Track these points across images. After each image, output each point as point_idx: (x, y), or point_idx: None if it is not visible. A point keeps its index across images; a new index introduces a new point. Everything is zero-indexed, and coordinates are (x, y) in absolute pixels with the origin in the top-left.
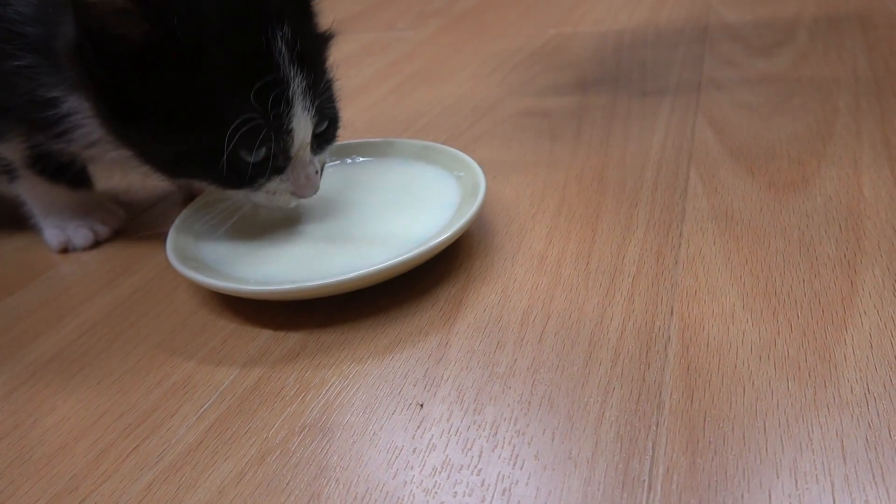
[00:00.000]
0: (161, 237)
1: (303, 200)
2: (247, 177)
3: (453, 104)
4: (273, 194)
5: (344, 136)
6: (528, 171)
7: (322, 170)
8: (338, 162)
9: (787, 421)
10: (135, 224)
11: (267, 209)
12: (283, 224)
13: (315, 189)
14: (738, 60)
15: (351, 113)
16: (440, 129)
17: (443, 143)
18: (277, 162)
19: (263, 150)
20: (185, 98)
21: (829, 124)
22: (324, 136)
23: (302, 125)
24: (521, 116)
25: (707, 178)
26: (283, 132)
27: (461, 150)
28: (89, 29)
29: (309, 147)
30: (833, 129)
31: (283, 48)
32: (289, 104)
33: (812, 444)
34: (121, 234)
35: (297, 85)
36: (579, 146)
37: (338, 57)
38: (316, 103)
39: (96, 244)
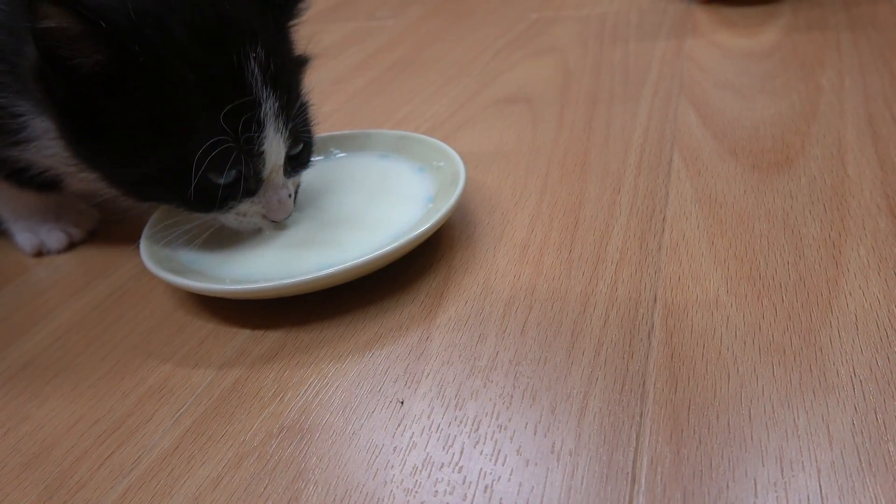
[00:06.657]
0: (136, 238)
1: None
2: (217, 200)
3: (435, 92)
4: (244, 216)
5: (325, 128)
6: (511, 158)
7: (297, 192)
8: (321, 158)
9: (773, 407)
10: (109, 225)
11: (238, 229)
12: None
13: (288, 213)
14: (722, 40)
15: (332, 104)
16: (422, 118)
17: (424, 133)
18: (249, 185)
19: (234, 173)
20: (152, 120)
21: (812, 103)
22: (298, 159)
23: (274, 148)
24: (503, 103)
25: (690, 161)
26: (254, 155)
27: (443, 139)
28: (49, 51)
29: (282, 170)
30: (817, 107)
31: (256, 69)
32: (260, 126)
33: (798, 431)
34: (95, 235)
35: (269, 107)
36: (562, 132)
37: (319, 47)
38: (289, 126)
39: (70, 246)
